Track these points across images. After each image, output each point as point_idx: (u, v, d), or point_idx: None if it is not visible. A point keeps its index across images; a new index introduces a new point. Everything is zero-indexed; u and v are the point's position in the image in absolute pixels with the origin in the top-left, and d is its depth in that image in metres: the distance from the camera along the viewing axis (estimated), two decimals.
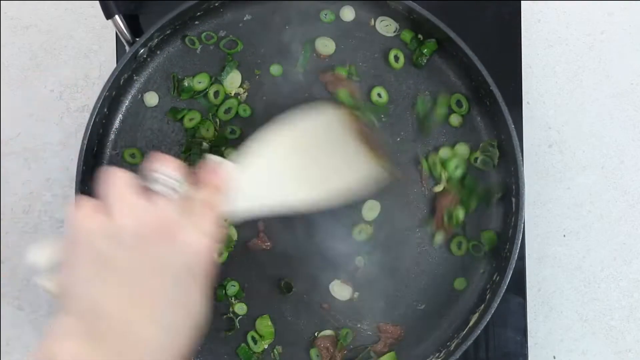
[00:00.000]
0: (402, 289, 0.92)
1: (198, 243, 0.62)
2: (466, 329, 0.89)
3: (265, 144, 0.74)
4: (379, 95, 0.93)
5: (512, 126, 0.86)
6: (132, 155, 0.92)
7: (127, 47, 0.91)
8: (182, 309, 0.61)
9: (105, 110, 0.90)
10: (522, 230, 0.86)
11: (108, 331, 0.58)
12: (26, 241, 0.99)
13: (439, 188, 0.91)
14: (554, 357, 0.97)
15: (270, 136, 0.75)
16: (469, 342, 0.86)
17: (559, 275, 0.98)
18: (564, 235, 0.98)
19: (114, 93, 0.90)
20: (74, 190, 0.99)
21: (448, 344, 0.90)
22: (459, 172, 0.91)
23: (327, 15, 0.93)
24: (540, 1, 1.00)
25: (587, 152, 0.99)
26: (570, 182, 0.99)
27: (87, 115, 0.99)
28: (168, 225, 0.61)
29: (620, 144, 0.99)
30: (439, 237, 0.92)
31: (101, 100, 0.87)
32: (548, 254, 0.98)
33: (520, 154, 0.87)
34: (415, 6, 0.88)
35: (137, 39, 0.88)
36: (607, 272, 0.98)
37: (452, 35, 0.87)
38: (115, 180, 0.61)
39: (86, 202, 0.61)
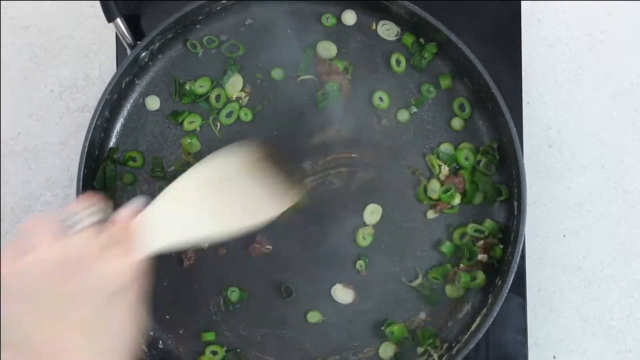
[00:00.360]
0: (404, 293, 0.92)
1: (115, 270, 0.66)
2: (468, 333, 0.89)
3: (180, 183, 0.76)
4: (381, 99, 0.93)
5: (513, 129, 0.86)
6: (134, 159, 0.93)
7: (128, 51, 0.91)
8: (108, 332, 0.65)
9: (107, 113, 0.90)
10: (524, 233, 0.86)
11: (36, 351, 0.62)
12: None
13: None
14: (554, 357, 0.97)
15: (185, 176, 0.77)
16: (471, 345, 0.86)
17: (559, 275, 0.98)
18: (564, 235, 0.98)
19: (115, 96, 0.90)
20: (74, 192, 0.99)
21: (452, 346, 0.90)
22: (468, 163, 0.91)
23: (328, 20, 0.93)
24: (540, 1, 1.00)
25: (587, 152, 0.99)
26: (570, 182, 0.99)
27: (88, 115, 1.00)
28: (84, 257, 0.65)
29: (620, 144, 0.99)
30: (431, 213, 0.92)
31: (102, 104, 0.87)
32: (548, 254, 0.98)
33: (521, 157, 0.87)
34: (416, 9, 0.88)
35: (139, 42, 0.88)
36: (607, 272, 0.98)
37: (453, 37, 0.88)
38: (36, 223, 0.66)
39: (9, 246, 0.65)
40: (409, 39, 0.93)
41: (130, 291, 0.67)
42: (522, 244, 0.86)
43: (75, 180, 0.99)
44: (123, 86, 0.90)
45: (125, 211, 0.70)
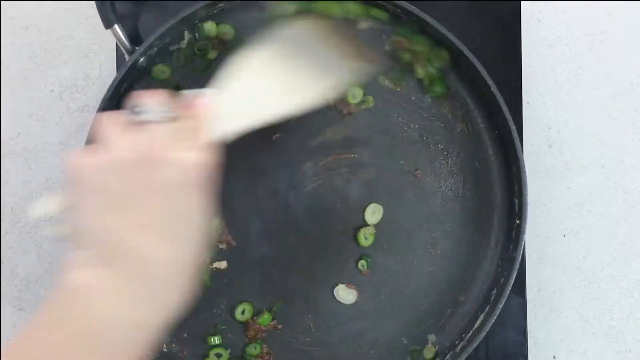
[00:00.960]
0: (406, 292, 0.92)
1: (189, 159, 0.64)
2: (471, 331, 0.89)
3: (241, 64, 0.74)
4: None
5: (513, 126, 0.86)
6: None
7: (126, 56, 0.91)
8: (184, 223, 0.63)
9: None
10: (525, 230, 0.86)
11: (120, 257, 0.61)
12: (26, 241, 1.00)
13: None
14: (554, 357, 0.97)
15: (245, 56, 0.75)
16: (475, 343, 0.86)
17: (559, 275, 0.98)
18: (564, 235, 0.98)
19: (115, 103, 0.89)
20: None
21: (455, 343, 0.90)
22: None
23: None
24: (540, 1, 1.00)
25: (587, 152, 0.99)
26: (570, 182, 0.99)
27: (88, 115, 1.00)
28: (159, 148, 0.63)
29: (620, 144, 0.99)
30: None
31: (101, 110, 0.87)
32: (548, 254, 0.98)
33: (522, 154, 0.87)
34: (414, 9, 0.88)
35: (137, 48, 0.88)
36: (607, 272, 0.98)
37: (452, 37, 0.87)
38: (104, 121, 0.65)
39: (79, 148, 0.65)
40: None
41: (203, 184, 0.65)
42: (524, 240, 0.86)
43: None
44: (122, 92, 0.90)
45: (194, 100, 0.68)
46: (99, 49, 1.01)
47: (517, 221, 0.88)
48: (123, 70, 0.87)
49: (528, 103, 0.99)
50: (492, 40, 0.95)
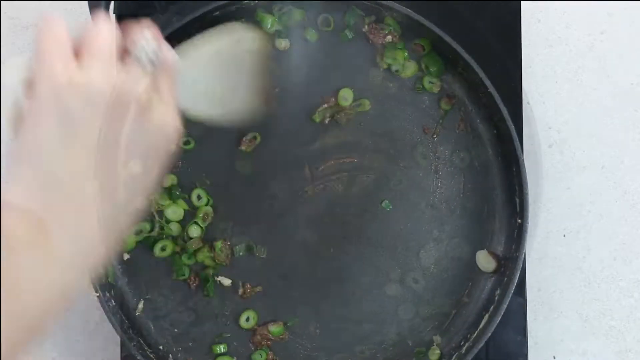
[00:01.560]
0: (410, 294, 0.92)
1: (169, 124, 0.61)
2: (476, 332, 0.89)
3: (194, 50, 0.71)
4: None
5: (512, 126, 0.87)
6: None
7: None
8: (133, 184, 0.59)
9: None
10: (527, 229, 0.86)
11: (59, 191, 0.57)
12: None
13: None
14: (554, 357, 0.97)
15: (198, 44, 0.72)
16: (480, 344, 0.86)
17: (559, 275, 0.98)
18: (564, 235, 0.98)
19: None
20: None
21: (460, 344, 0.90)
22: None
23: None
24: (540, 1, 1.00)
25: (587, 152, 0.99)
26: (570, 182, 0.99)
27: None
28: (143, 99, 0.59)
29: (620, 144, 0.99)
30: None
31: None
32: (548, 254, 0.98)
33: (521, 154, 0.87)
34: (410, 12, 0.88)
35: None
36: (607, 272, 0.98)
37: (447, 38, 0.88)
38: (101, 31, 0.59)
39: (61, 46, 0.58)
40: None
41: (168, 152, 0.61)
42: (526, 240, 0.87)
43: None
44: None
45: (172, 56, 0.63)
46: None
47: (519, 220, 0.88)
48: None
49: (528, 103, 0.99)
50: (492, 41, 0.95)
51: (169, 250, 0.91)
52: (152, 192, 0.62)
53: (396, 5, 0.88)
